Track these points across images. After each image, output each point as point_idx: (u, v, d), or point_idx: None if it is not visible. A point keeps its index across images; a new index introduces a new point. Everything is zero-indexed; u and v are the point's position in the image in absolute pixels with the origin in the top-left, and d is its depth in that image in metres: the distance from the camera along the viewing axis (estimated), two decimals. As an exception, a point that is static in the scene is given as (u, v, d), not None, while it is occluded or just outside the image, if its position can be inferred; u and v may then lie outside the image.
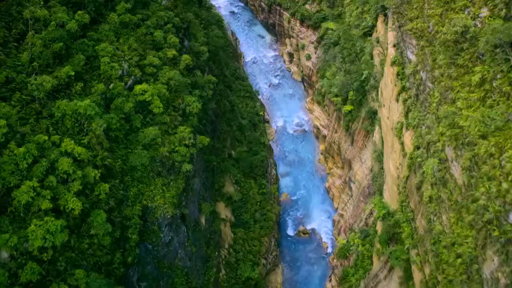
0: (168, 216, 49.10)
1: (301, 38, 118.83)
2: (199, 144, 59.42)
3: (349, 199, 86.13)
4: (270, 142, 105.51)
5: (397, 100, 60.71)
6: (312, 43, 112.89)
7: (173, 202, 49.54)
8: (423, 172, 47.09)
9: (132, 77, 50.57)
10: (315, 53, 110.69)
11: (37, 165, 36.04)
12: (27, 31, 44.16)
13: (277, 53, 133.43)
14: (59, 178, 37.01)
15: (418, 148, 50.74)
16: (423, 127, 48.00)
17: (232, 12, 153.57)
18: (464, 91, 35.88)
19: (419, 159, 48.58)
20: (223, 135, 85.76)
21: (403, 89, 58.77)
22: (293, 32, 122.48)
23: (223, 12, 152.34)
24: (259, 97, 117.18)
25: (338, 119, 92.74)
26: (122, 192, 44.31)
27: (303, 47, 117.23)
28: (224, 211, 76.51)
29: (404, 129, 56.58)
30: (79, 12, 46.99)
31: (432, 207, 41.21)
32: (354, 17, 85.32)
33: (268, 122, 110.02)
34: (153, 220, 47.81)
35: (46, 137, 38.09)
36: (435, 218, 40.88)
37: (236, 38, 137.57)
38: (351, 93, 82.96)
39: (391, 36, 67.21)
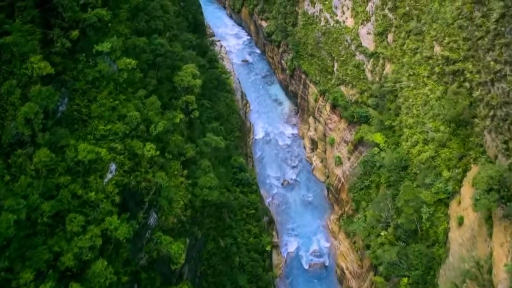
0: None
1: (330, 129, 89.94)
2: None
3: None
4: (278, 280, 77.88)
5: None
6: (346, 142, 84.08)
7: None
8: None
9: None
10: (349, 160, 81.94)
11: None
12: None
13: (296, 131, 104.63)
14: None
15: None
16: None
17: (245, 62, 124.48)
18: None
19: None
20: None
21: None
22: (320, 115, 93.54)
23: (235, 59, 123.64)
24: (267, 200, 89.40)
25: (376, 285, 64.64)
26: None
27: (332, 142, 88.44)
28: None
29: None
30: None
31: None
32: (423, 162, 56.38)
33: (276, 246, 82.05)
34: None
35: None
36: None
37: (247, 102, 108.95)
38: (405, 280, 54.79)
39: (501, 255, 39.19)
